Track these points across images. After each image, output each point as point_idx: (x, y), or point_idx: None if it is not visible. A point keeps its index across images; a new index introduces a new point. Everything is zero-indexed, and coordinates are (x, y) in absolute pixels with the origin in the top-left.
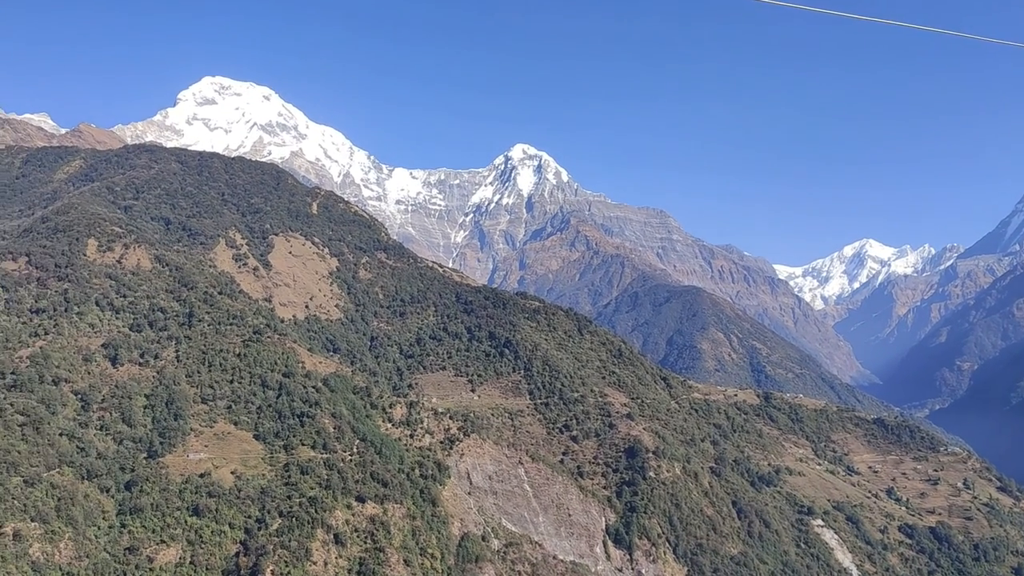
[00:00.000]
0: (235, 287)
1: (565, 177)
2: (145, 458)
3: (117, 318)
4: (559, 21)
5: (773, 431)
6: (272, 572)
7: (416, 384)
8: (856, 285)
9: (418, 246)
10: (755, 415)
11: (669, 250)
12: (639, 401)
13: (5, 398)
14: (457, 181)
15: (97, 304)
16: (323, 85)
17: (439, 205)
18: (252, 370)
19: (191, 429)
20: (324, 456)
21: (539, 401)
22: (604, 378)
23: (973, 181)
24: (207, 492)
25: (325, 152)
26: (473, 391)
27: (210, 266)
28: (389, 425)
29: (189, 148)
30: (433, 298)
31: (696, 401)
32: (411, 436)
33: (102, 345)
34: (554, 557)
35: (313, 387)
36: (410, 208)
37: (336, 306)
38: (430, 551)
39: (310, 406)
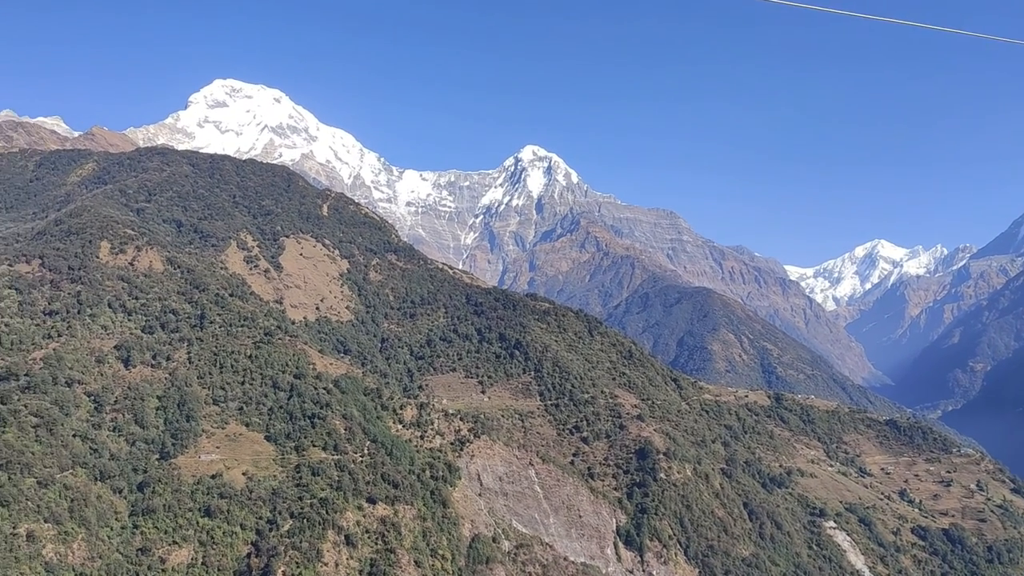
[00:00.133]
0: (246, 289)
1: (575, 178)
2: (157, 459)
3: (129, 320)
4: (569, 23)
5: (784, 432)
6: (283, 573)
7: (426, 385)
8: (868, 286)
9: (428, 248)
10: (766, 416)
11: (679, 251)
12: (650, 402)
13: (19, 399)
14: (467, 183)
15: (110, 306)
16: (333, 87)
17: (449, 207)
18: (263, 372)
19: (203, 430)
20: (335, 457)
21: (549, 402)
22: (614, 379)
23: (986, 181)
24: (219, 493)
25: (335, 154)
26: (483, 392)
27: (221, 268)
28: (400, 426)
29: (200, 151)
30: (443, 300)
31: (707, 402)
32: (422, 437)
33: (115, 347)
34: (565, 558)
35: (324, 388)
36: (420, 210)
37: (347, 308)
38: (441, 552)
39: (321, 407)
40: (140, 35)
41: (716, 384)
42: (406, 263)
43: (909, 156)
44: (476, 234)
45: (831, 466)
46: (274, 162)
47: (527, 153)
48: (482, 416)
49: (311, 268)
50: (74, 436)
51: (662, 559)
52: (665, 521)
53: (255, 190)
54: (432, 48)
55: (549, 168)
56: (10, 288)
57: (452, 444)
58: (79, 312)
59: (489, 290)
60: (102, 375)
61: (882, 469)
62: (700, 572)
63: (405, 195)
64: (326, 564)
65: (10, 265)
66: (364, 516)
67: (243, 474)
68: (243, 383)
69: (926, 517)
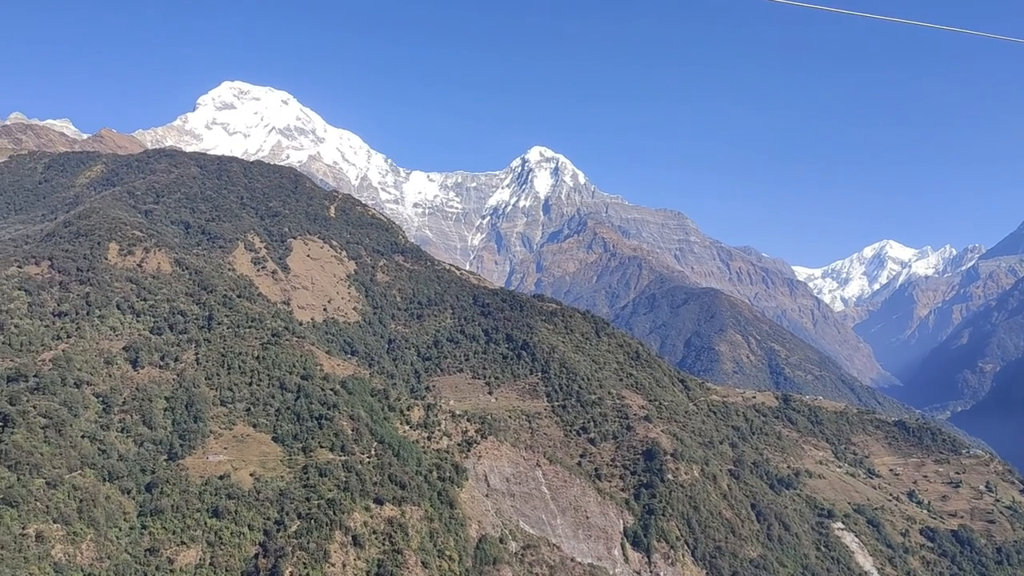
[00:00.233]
0: (254, 290)
1: (582, 179)
2: (165, 460)
3: (138, 321)
4: (576, 23)
5: (792, 433)
6: (291, 573)
7: (433, 386)
8: (876, 286)
9: (435, 249)
10: (774, 417)
11: (687, 252)
12: (657, 403)
13: (28, 400)
14: (474, 184)
15: (118, 307)
16: (341, 89)
17: (456, 208)
18: (271, 373)
19: (210, 431)
20: (342, 458)
21: (556, 403)
22: (621, 380)
23: (995, 181)
24: (226, 494)
25: (343, 155)
26: (490, 393)
27: (229, 269)
28: (407, 427)
29: (208, 152)
30: (450, 301)
31: (714, 403)
32: (429, 438)
33: (123, 348)
34: (572, 559)
35: (331, 389)
36: (427, 211)
37: (354, 309)
38: (448, 553)
39: (328, 408)
40: (148, 38)
41: (723, 385)
42: (413, 264)
43: (917, 156)
44: (483, 235)
45: (839, 467)
46: (281, 164)
47: (534, 154)
48: (489, 417)
49: (318, 269)
50: (83, 437)
51: (669, 560)
52: (672, 522)
53: (263, 192)
54: (439, 50)
55: (556, 169)
56: (20, 289)
57: (459, 445)
58: (88, 313)
59: (496, 291)
60: (111, 376)
61: (891, 470)
62: (707, 573)
63: (412, 196)
64: (333, 565)
65: (19, 267)
66: (371, 517)
67: (251, 475)
68: (251, 384)
69: (935, 518)
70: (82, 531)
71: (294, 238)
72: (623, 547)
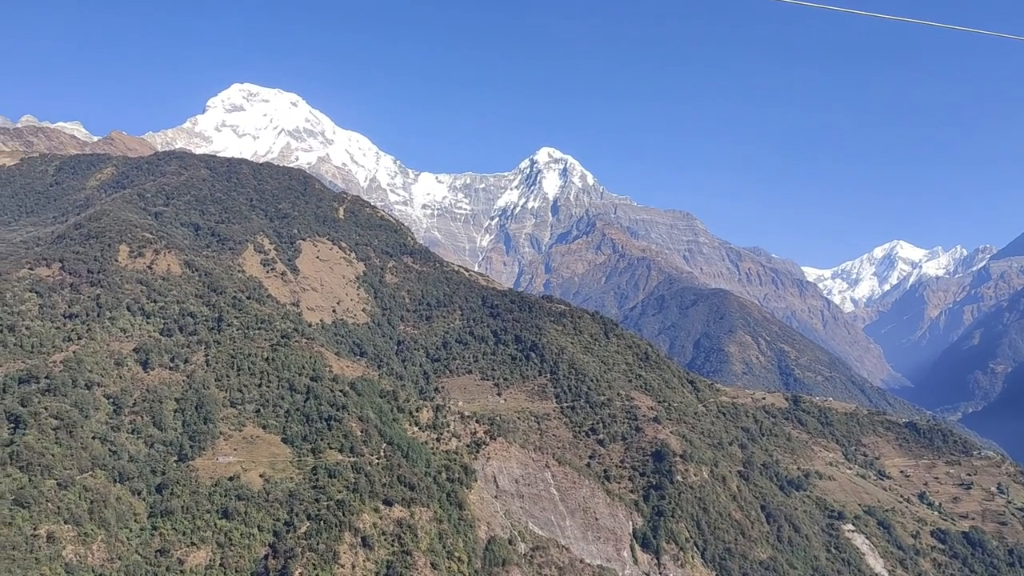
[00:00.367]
0: (263, 292)
1: (591, 180)
2: (175, 461)
3: (148, 323)
4: (583, 24)
5: (802, 435)
6: (300, 574)
7: (442, 388)
8: (887, 287)
9: (444, 250)
10: (784, 418)
11: (696, 253)
12: (666, 404)
13: (39, 402)
14: (483, 185)
15: (128, 309)
16: (350, 91)
17: (465, 209)
18: (280, 374)
19: (220, 433)
20: (351, 459)
21: (565, 404)
22: (630, 381)
23: (1006, 181)
24: (236, 495)
25: (352, 157)
26: (499, 395)
27: (239, 271)
28: (416, 429)
29: (218, 155)
30: (459, 302)
31: (724, 404)
32: (437, 439)
33: (133, 350)
34: (581, 561)
35: (340, 391)
36: (436, 212)
37: (363, 310)
38: (457, 554)
39: (337, 410)
40: (158, 41)
41: (733, 386)
42: (422, 265)
43: (928, 156)
44: (492, 236)
45: (849, 468)
46: (291, 165)
47: (543, 155)
48: (498, 418)
49: (327, 271)
50: (93, 438)
51: (679, 562)
52: (682, 524)
53: (272, 193)
54: (447, 52)
55: (565, 170)
56: (31, 291)
57: (468, 446)
58: (98, 315)
59: (505, 292)
60: (121, 377)
61: (901, 472)
62: (717, 575)
63: (421, 198)
64: (343, 566)
65: (31, 269)
66: (380, 518)
67: (260, 476)
68: (260, 385)
69: (946, 520)
70: (93, 532)
71: (303, 240)
72: (632, 549)
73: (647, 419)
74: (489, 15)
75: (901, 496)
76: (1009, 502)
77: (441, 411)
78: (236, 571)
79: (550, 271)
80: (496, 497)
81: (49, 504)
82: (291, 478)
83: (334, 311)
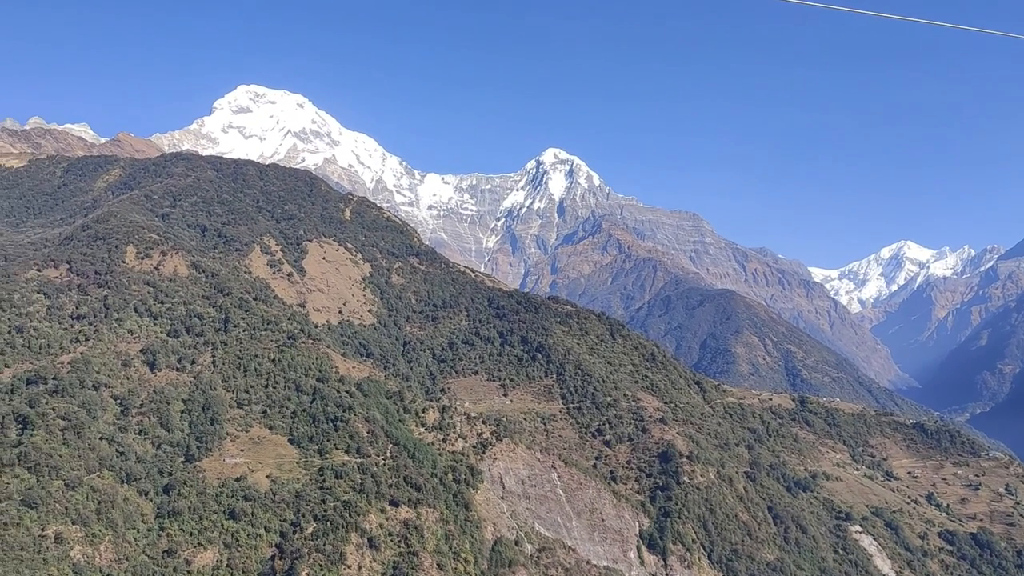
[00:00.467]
0: (270, 293)
1: (597, 181)
2: (182, 462)
3: (155, 324)
4: (588, 24)
5: (809, 436)
6: (307, 575)
7: (448, 389)
8: (894, 288)
9: (450, 251)
10: (791, 419)
11: (702, 253)
12: (672, 405)
13: (47, 403)
14: (489, 186)
15: (136, 310)
16: (356, 92)
17: (471, 210)
18: (287, 375)
19: (227, 433)
20: (358, 460)
21: (572, 405)
22: (637, 382)
23: (1015, 181)
24: (243, 496)
25: (358, 158)
26: (505, 395)
27: (245, 272)
28: (422, 430)
29: (225, 156)
30: (465, 303)
31: (730, 405)
32: (444, 440)
33: (141, 351)
34: (587, 562)
35: (347, 392)
36: (442, 213)
37: (369, 311)
38: (463, 555)
39: (344, 411)
40: (165, 42)
41: (739, 387)
42: (428, 266)
43: (935, 156)
44: (498, 237)
45: (857, 470)
46: (297, 167)
47: (549, 156)
48: (504, 419)
49: (334, 272)
50: (101, 439)
51: (685, 563)
52: (688, 525)
53: (278, 195)
54: (453, 53)
55: (571, 171)
56: (39, 293)
57: (474, 447)
58: (106, 316)
59: (511, 293)
60: (128, 378)
61: (909, 473)
62: None
63: (427, 199)
64: (349, 567)
65: (39, 270)
66: (387, 519)
67: (267, 477)
68: (267, 386)
69: (954, 521)
70: (100, 532)
71: (309, 241)
72: (639, 550)
73: (653, 420)
74: (494, 16)
75: (909, 497)
76: (1017, 503)
77: (447, 412)
78: (243, 572)
79: (556, 272)
80: (502, 498)
81: (57, 505)
82: (298, 479)
83: (340, 312)
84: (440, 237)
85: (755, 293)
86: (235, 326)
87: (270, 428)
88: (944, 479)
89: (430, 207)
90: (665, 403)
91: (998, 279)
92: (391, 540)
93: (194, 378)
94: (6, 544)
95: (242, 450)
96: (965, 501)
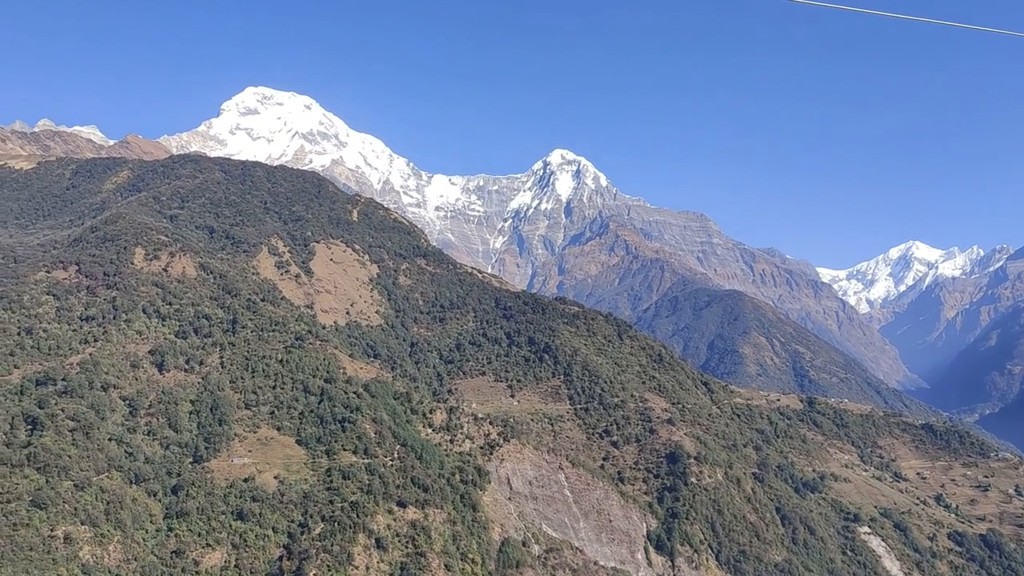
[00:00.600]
0: (277, 294)
1: (604, 182)
2: (191, 463)
3: (163, 325)
4: (596, 23)
5: (817, 436)
6: None
7: (456, 389)
8: (902, 288)
9: (457, 252)
10: (799, 420)
11: (709, 254)
12: (680, 406)
13: (56, 403)
14: (496, 187)
15: (144, 311)
16: (363, 94)
17: (478, 211)
18: (294, 376)
19: (235, 434)
20: (365, 461)
21: (579, 406)
22: (644, 383)
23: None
24: (251, 496)
25: (365, 160)
26: (513, 396)
27: (253, 273)
28: (429, 430)
29: (232, 158)
30: (472, 304)
31: (738, 406)
32: (451, 441)
33: (149, 352)
34: (595, 563)
35: (354, 393)
36: (449, 214)
37: (376, 312)
38: (471, 556)
39: (351, 411)
40: (173, 45)
41: (747, 388)
42: (435, 267)
43: (944, 156)
44: (505, 238)
45: (865, 471)
46: (304, 168)
47: (556, 157)
48: (511, 420)
49: (341, 273)
50: (110, 440)
51: (693, 564)
52: (696, 526)
53: (286, 196)
54: (460, 55)
55: (578, 171)
56: (48, 294)
57: (481, 448)
58: (114, 317)
59: (518, 294)
60: (137, 379)
61: (918, 474)
62: None
63: (434, 200)
64: (357, 567)
65: (48, 271)
66: (394, 520)
67: (275, 477)
68: (274, 387)
69: (963, 522)
70: (109, 533)
71: (317, 242)
72: (646, 550)
73: (661, 421)
74: (498, 17)
75: (917, 498)
76: None
77: (455, 413)
78: (251, 572)
79: (563, 273)
80: (510, 499)
81: (66, 505)
82: (305, 480)
83: (348, 313)
84: (447, 238)
85: (763, 294)
86: (243, 327)
87: (278, 429)
88: (953, 480)
89: (437, 208)
90: (673, 404)
91: (1007, 279)
92: (398, 541)
93: (202, 379)
94: (16, 544)
95: (250, 451)
96: (974, 502)
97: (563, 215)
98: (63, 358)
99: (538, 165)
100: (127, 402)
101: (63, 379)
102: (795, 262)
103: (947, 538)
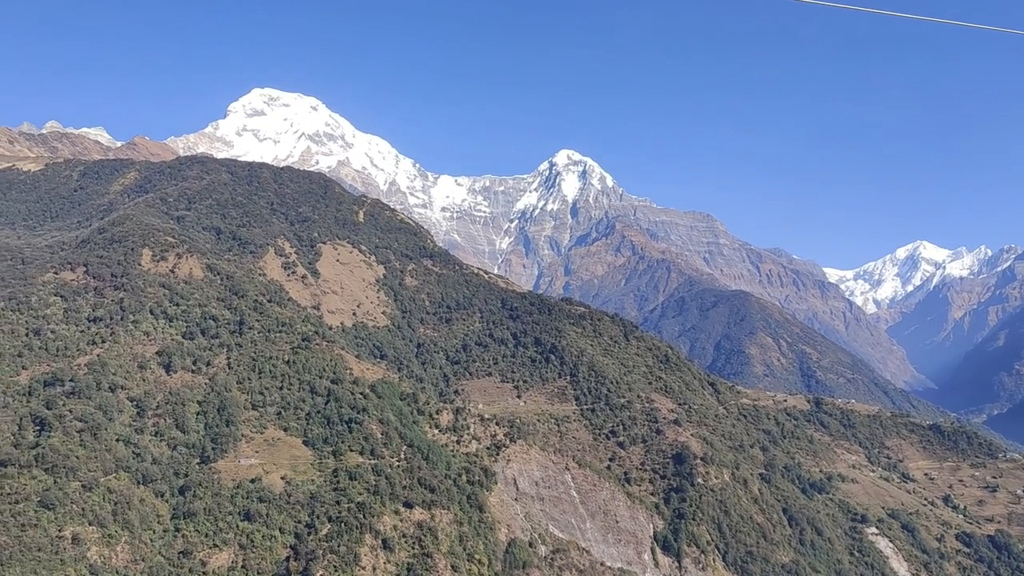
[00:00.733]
0: (284, 295)
1: (610, 182)
2: (198, 463)
3: (171, 326)
4: (602, 25)
5: (824, 437)
6: None
7: (462, 390)
8: (910, 288)
9: (463, 253)
10: (806, 421)
11: (716, 254)
12: (686, 407)
13: (64, 404)
14: (502, 188)
15: (151, 312)
16: (369, 95)
17: (484, 212)
18: (301, 377)
19: (242, 435)
20: (372, 462)
21: (585, 407)
22: (651, 384)
23: None
24: (258, 497)
25: (371, 161)
26: (519, 397)
27: (260, 274)
28: (436, 431)
29: (239, 159)
30: (479, 304)
31: (745, 407)
32: (458, 442)
33: (156, 353)
34: (601, 564)
35: (361, 393)
36: (455, 215)
37: (383, 313)
38: (477, 557)
39: (358, 412)
40: (180, 47)
41: (754, 388)
42: (442, 268)
43: (951, 156)
44: (511, 239)
45: (873, 471)
46: (311, 169)
47: (562, 157)
48: (518, 421)
49: (348, 274)
50: (117, 440)
51: (700, 565)
52: (703, 527)
53: (292, 197)
54: (466, 56)
55: (584, 172)
56: (56, 295)
57: (488, 449)
58: (122, 318)
59: (524, 294)
60: (144, 380)
61: (925, 474)
62: None
63: (440, 200)
64: (364, 568)
65: (56, 273)
66: (401, 520)
67: (282, 478)
68: (281, 388)
69: (971, 523)
70: (117, 533)
71: (323, 243)
72: (653, 551)
73: (667, 421)
74: (504, 17)
75: (925, 499)
76: None
77: (461, 413)
78: (258, 573)
79: (570, 273)
80: (516, 499)
81: (74, 506)
82: (312, 480)
83: (354, 314)
84: (453, 239)
85: (769, 294)
86: (250, 328)
87: (285, 429)
88: (961, 481)
89: (443, 209)
90: (679, 404)
91: (1015, 279)
92: (405, 541)
93: (209, 380)
94: (24, 545)
95: (257, 451)
96: (982, 503)
97: (569, 215)
98: (71, 359)
99: (544, 166)
100: (135, 403)
101: (71, 380)
102: (802, 262)
103: (955, 539)
